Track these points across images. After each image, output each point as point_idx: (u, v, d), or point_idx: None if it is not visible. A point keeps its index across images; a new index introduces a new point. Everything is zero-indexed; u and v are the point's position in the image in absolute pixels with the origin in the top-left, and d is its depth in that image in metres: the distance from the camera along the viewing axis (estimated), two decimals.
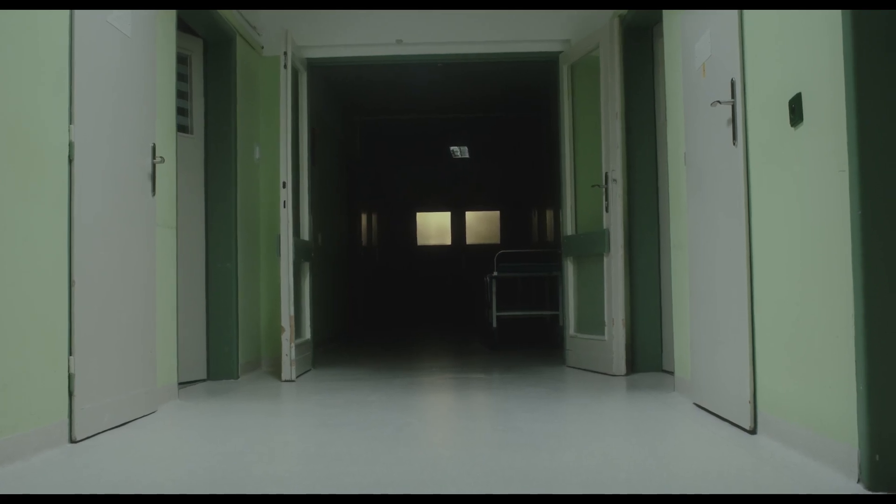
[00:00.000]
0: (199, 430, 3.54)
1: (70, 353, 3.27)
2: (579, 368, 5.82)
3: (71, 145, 3.31)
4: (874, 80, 2.35)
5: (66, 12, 3.31)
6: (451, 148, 14.35)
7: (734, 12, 3.30)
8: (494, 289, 7.95)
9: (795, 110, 2.75)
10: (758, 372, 3.19)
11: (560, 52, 6.17)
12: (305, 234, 6.03)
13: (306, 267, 6.03)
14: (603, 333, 5.56)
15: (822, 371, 2.62)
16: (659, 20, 5.41)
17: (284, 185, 5.34)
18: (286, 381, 5.30)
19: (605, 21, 6.09)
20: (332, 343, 8.95)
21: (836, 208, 2.49)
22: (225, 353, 5.45)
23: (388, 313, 14.99)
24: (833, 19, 2.48)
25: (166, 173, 4.34)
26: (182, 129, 5.37)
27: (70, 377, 3.27)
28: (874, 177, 2.34)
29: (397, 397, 4.44)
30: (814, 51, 2.64)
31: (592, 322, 5.76)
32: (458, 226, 15.63)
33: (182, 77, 5.39)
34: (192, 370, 5.33)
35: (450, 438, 3.27)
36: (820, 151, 2.60)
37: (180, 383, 5.15)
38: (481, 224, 15.64)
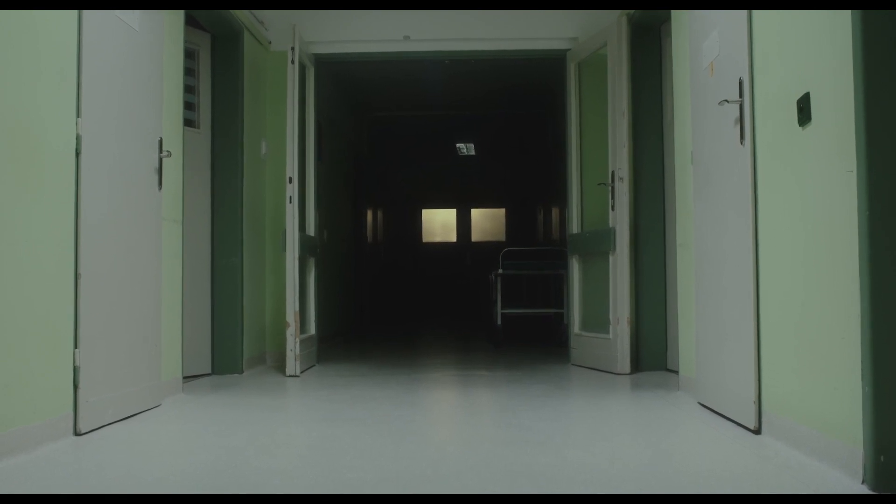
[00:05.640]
0: (203, 423, 3.54)
1: (75, 346, 3.28)
2: (584, 366, 5.81)
3: (78, 139, 3.31)
4: (883, 81, 2.34)
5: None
6: (458, 145, 14.35)
7: (743, 11, 3.29)
8: (499, 286, 7.95)
9: (803, 110, 2.74)
10: (763, 372, 3.18)
11: (567, 50, 6.16)
12: (311, 230, 6.03)
13: (312, 262, 6.03)
14: (608, 332, 5.55)
15: (828, 371, 2.61)
16: (667, 19, 5.40)
17: (291, 181, 5.34)
18: (290, 376, 5.31)
19: (612, 19, 6.08)
20: (336, 339, 8.96)
21: (843, 208, 2.48)
22: (229, 348, 5.46)
23: (392, 309, 15.00)
24: (842, 19, 2.47)
25: (173, 167, 4.35)
26: (189, 123, 5.38)
27: (75, 370, 3.28)
28: (882, 177, 2.33)
29: (402, 393, 4.45)
30: (822, 50, 2.63)
31: (597, 320, 5.75)
32: (463, 223, 15.63)
33: (189, 72, 5.39)
34: (196, 364, 5.34)
35: (454, 435, 3.27)
36: (828, 151, 2.59)
37: (185, 377, 5.16)
38: (487, 221, 15.64)
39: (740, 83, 3.30)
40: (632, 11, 5.55)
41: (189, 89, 5.37)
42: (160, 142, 4.07)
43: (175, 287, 4.37)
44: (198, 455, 2.88)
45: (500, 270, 7.96)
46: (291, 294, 5.34)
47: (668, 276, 5.59)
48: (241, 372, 5.49)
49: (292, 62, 5.44)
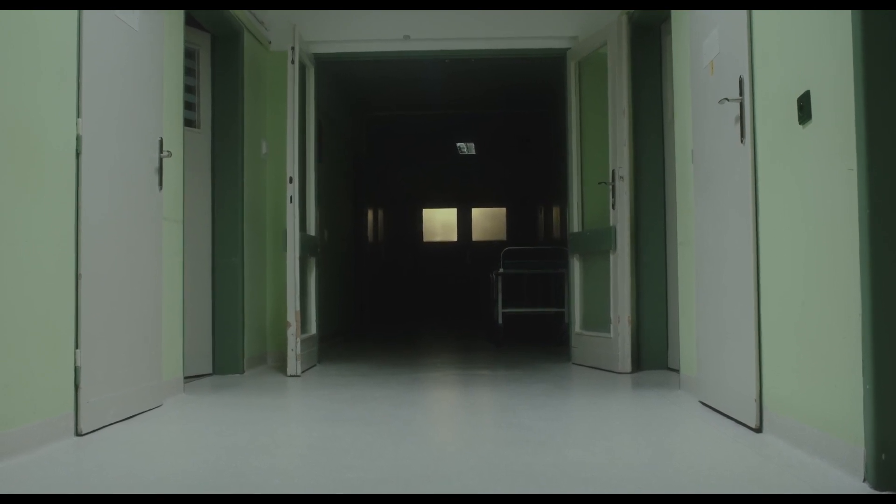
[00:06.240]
0: (204, 423, 3.54)
1: (76, 347, 3.28)
2: (585, 365, 5.81)
3: (79, 139, 3.31)
4: (883, 79, 2.34)
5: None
6: (458, 144, 14.34)
7: (743, 10, 3.29)
8: (500, 285, 7.95)
9: (804, 108, 2.74)
10: (764, 370, 3.18)
11: (568, 49, 6.16)
12: (312, 230, 6.03)
13: (312, 262, 6.03)
14: (609, 331, 5.55)
15: (829, 370, 2.61)
16: (667, 17, 5.39)
17: (291, 181, 5.34)
18: (291, 376, 5.31)
19: (613, 18, 6.07)
20: (337, 338, 8.96)
21: (843, 206, 2.48)
22: (230, 348, 5.46)
23: (393, 309, 15.00)
24: (842, 18, 2.47)
25: (173, 167, 4.35)
26: (189, 123, 5.38)
27: (76, 370, 3.28)
28: (882, 175, 2.33)
29: (402, 393, 4.45)
30: (822, 49, 2.62)
31: (598, 319, 5.75)
32: (464, 222, 15.63)
33: (189, 71, 5.39)
34: (197, 364, 5.35)
35: (455, 434, 3.27)
36: (828, 149, 2.59)
37: (186, 377, 5.16)
38: (487, 220, 15.64)
39: (740, 82, 3.30)
40: (632, 11, 5.55)
41: (189, 89, 5.37)
42: (160, 142, 4.07)
43: (176, 287, 4.38)
44: (199, 455, 2.88)
45: (501, 270, 7.96)
46: (292, 294, 5.34)
47: (668, 275, 5.59)
48: (242, 372, 5.49)
49: (292, 62, 5.44)
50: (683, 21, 4.31)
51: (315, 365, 6.03)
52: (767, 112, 3.10)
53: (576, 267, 6.05)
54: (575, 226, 6.02)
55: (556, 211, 11.03)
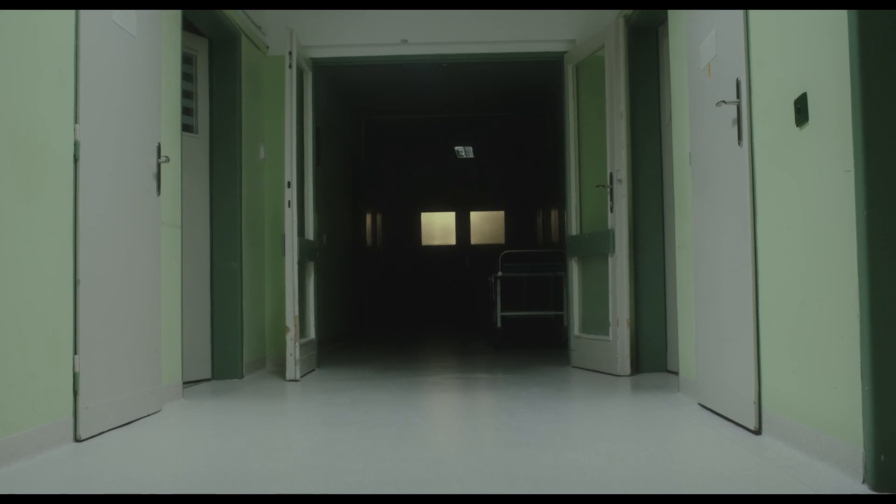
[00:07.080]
0: (203, 428, 3.54)
1: (75, 352, 3.28)
2: (584, 368, 5.81)
3: (76, 144, 3.32)
4: (880, 80, 2.34)
5: (72, 12, 3.31)
6: (456, 148, 14.35)
7: (740, 12, 3.29)
8: (499, 289, 7.95)
9: (801, 110, 2.75)
10: (763, 372, 3.18)
11: (565, 52, 6.16)
12: (310, 234, 6.04)
13: (311, 266, 6.03)
14: (607, 334, 5.55)
15: (828, 371, 2.61)
16: (664, 20, 5.40)
17: (289, 185, 5.34)
18: (290, 380, 5.31)
19: (610, 21, 6.09)
20: (336, 343, 8.96)
21: (841, 208, 2.49)
22: (229, 353, 5.46)
23: (392, 313, 15.00)
24: (839, 19, 2.48)
25: (171, 172, 4.35)
26: (187, 128, 5.38)
27: (75, 376, 3.27)
28: (880, 177, 2.33)
29: (402, 396, 4.44)
30: (819, 51, 2.63)
31: (597, 322, 5.75)
32: (462, 226, 15.63)
33: (187, 77, 5.39)
34: (196, 369, 5.34)
35: (455, 437, 3.27)
36: (825, 151, 2.60)
37: (185, 383, 5.16)
38: (486, 224, 15.64)
39: (737, 84, 3.31)
40: (629, 12, 5.56)
41: (187, 94, 5.38)
42: (158, 147, 4.08)
43: (174, 292, 4.37)
44: (199, 459, 2.88)
45: (500, 273, 7.96)
46: (291, 298, 5.34)
47: (667, 278, 5.60)
48: (241, 377, 5.48)
49: (290, 66, 5.44)
50: (680, 23, 4.32)
51: (314, 369, 6.03)
52: (765, 114, 3.11)
53: (574, 270, 6.05)
54: (573, 229, 6.02)
55: (554, 214, 11.04)
